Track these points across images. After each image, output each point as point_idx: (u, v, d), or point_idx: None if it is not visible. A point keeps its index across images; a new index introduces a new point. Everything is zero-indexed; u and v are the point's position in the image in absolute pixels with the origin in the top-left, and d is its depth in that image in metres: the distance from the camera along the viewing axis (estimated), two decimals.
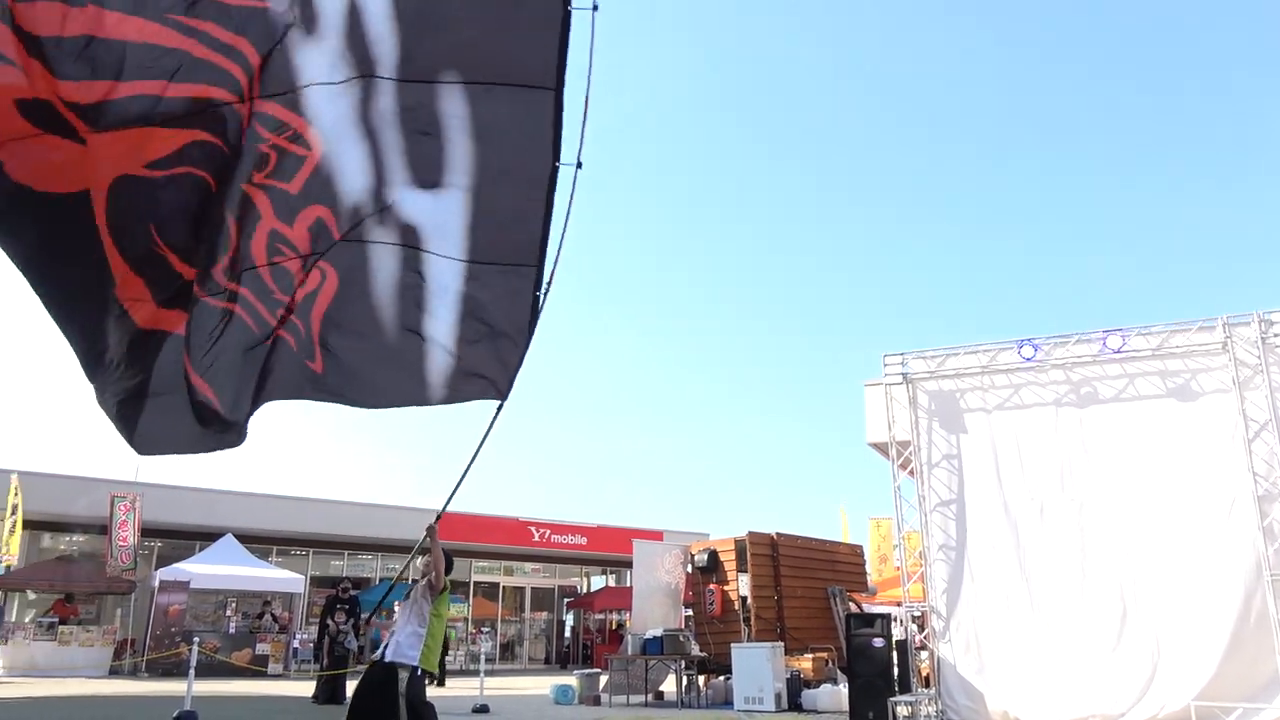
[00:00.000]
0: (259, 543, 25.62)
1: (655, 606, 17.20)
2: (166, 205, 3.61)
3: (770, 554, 17.08)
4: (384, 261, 4.21)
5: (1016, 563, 11.11)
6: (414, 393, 4.52)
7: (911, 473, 12.09)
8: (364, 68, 3.68)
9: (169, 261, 3.72)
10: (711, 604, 16.96)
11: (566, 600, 32.62)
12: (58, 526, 24.53)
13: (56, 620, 21.47)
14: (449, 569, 6.77)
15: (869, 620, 12.59)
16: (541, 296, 4.27)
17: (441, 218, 4.09)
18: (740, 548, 16.95)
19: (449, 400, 4.52)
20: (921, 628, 11.96)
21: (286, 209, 3.92)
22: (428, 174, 3.99)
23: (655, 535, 28.33)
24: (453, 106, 3.82)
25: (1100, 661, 10.33)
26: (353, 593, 16.36)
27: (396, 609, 6.85)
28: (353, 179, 3.97)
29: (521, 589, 32.52)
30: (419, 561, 6.78)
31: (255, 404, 4.37)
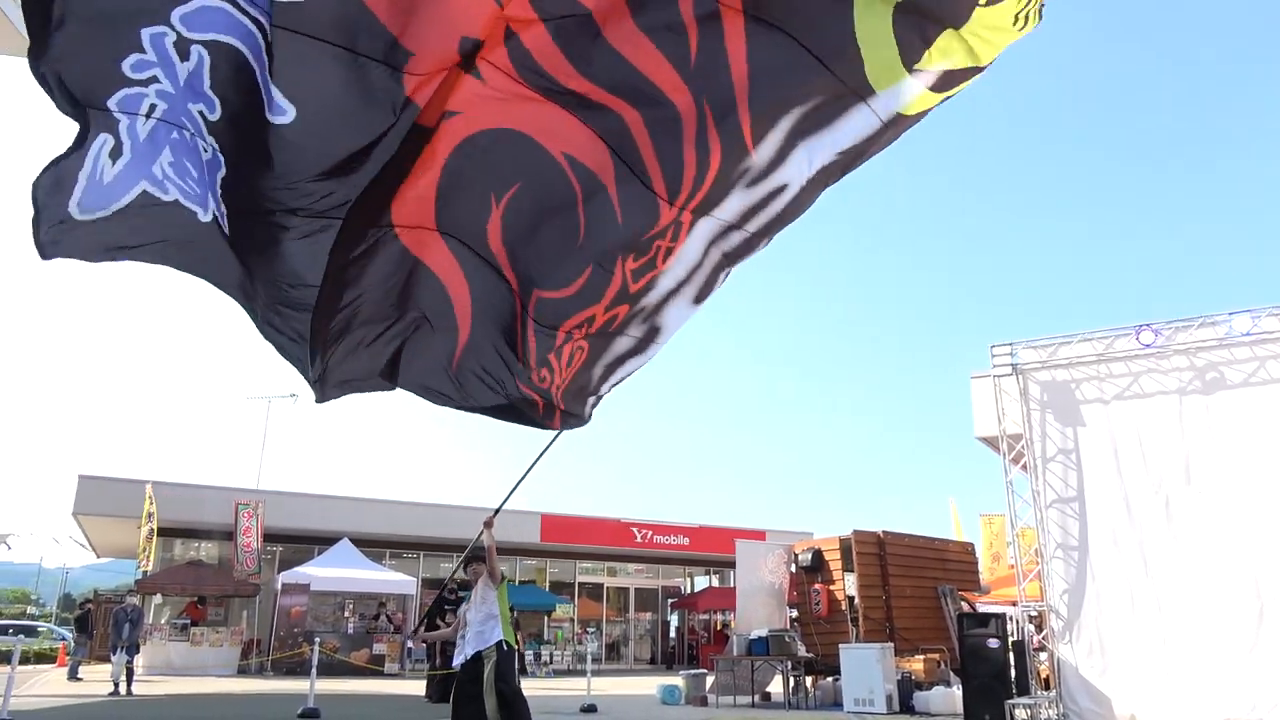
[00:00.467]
0: (372, 546, 26.51)
1: (760, 607, 17.06)
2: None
3: (877, 552, 16.72)
4: (617, 348, 4.38)
5: (1141, 560, 10.58)
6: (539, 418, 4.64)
7: (1024, 467, 11.65)
8: (745, 221, 3.83)
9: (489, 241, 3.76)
10: (817, 604, 16.72)
11: (670, 601, 32.67)
12: (188, 533, 25.90)
13: (189, 622, 22.67)
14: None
15: (983, 620, 12.20)
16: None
17: (676, 315, 4.28)
18: (845, 546, 16.65)
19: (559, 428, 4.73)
20: (1039, 628, 11.52)
21: (618, 302, 4.09)
22: (699, 295, 4.17)
23: (758, 535, 28.12)
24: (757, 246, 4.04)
25: (1235, 663, 9.75)
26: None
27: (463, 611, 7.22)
28: (657, 293, 4.11)
29: (625, 590, 32.72)
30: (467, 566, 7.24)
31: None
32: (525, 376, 4.20)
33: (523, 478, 5.47)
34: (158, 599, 25.71)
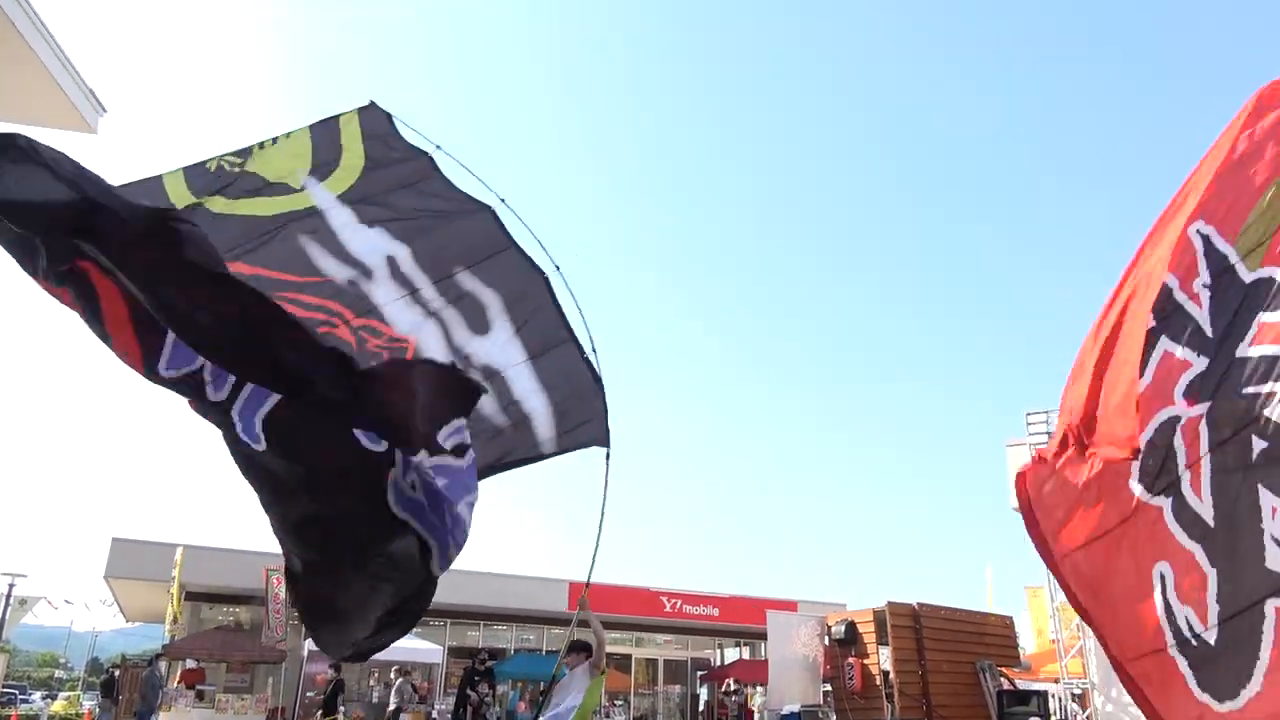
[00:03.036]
0: None
1: (793, 680, 16.67)
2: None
3: (913, 625, 16.33)
4: (485, 399, 5.47)
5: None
6: (535, 449, 5.82)
7: None
8: (409, 286, 5.81)
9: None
10: (851, 678, 16.30)
11: (700, 673, 32.00)
12: (217, 598, 25.91)
13: (185, 687, 22.34)
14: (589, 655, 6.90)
15: (1023, 697, 11.84)
16: (592, 357, 5.94)
17: (499, 345, 5.86)
18: (880, 619, 16.29)
19: (564, 449, 5.84)
20: (1083, 706, 11.14)
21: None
22: (478, 325, 5.87)
23: (789, 606, 27.60)
24: (469, 283, 5.95)
25: None
26: (490, 664, 16.58)
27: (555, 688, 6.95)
28: (439, 351, 5.70)
29: (654, 660, 32.13)
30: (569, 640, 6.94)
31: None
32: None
33: (597, 543, 5.73)
34: (189, 663, 25.62)
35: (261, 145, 6.08)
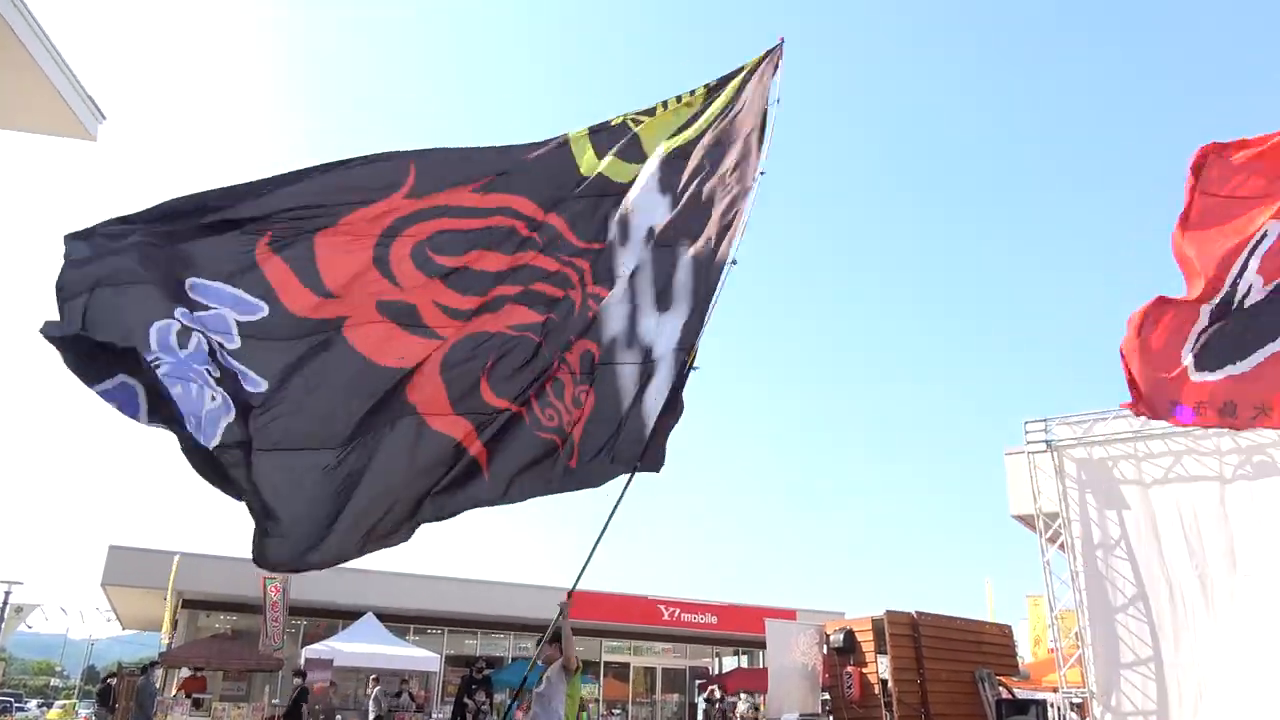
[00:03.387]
0: (396, 621, 26.26)
1: (791, 689, 16.61)
2: (504, 357, 5.30)
3: (911, 634, 16.27)
4: (628, 378, 5.65)
5: (1187, 647, 10.22)
6: (621, 469, 5.54)
7: (1062, 547, 11.38)
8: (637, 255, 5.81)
9: (483, 395, 5.23)
10: (849, 687, 16.24)
11: (698, 681, 31.91)
12: (213, 605, 25.83)
13: (186, 695, 22.32)
14: None
15: (1022, 707, 11.81)
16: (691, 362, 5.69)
17: (668, 329, 5.68)
18: (878, 627, 16.24)
19: (646, 469, 5.58)
20: (1082, 715, 11.10)
21: (566, 340, 5.58)
22: (664, 302, 5.73)
23: (788, 614, 27.54)
24: (683, 257, 5.82)
25: None
26: (487, 672, 16.52)
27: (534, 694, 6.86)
28: (616, 323, 5.68)
29: (652, 669, 32.03)
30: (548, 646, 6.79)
31: (521, 488, 5.37)
32: (536, 423, 5.33)
33: (593, 550, 5.54)
34: (184, 672, 25.53)
35: (665, 104, 6.26)
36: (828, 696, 16.91)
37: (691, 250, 5.79)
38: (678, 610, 30.12)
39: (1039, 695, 14.35)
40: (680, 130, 6.20)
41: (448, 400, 5.10)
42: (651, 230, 5.83)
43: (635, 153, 6.05)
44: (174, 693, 23.53)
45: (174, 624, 24.11)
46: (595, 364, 5.61)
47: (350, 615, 25.08)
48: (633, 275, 5.74)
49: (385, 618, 25.25)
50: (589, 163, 5.89)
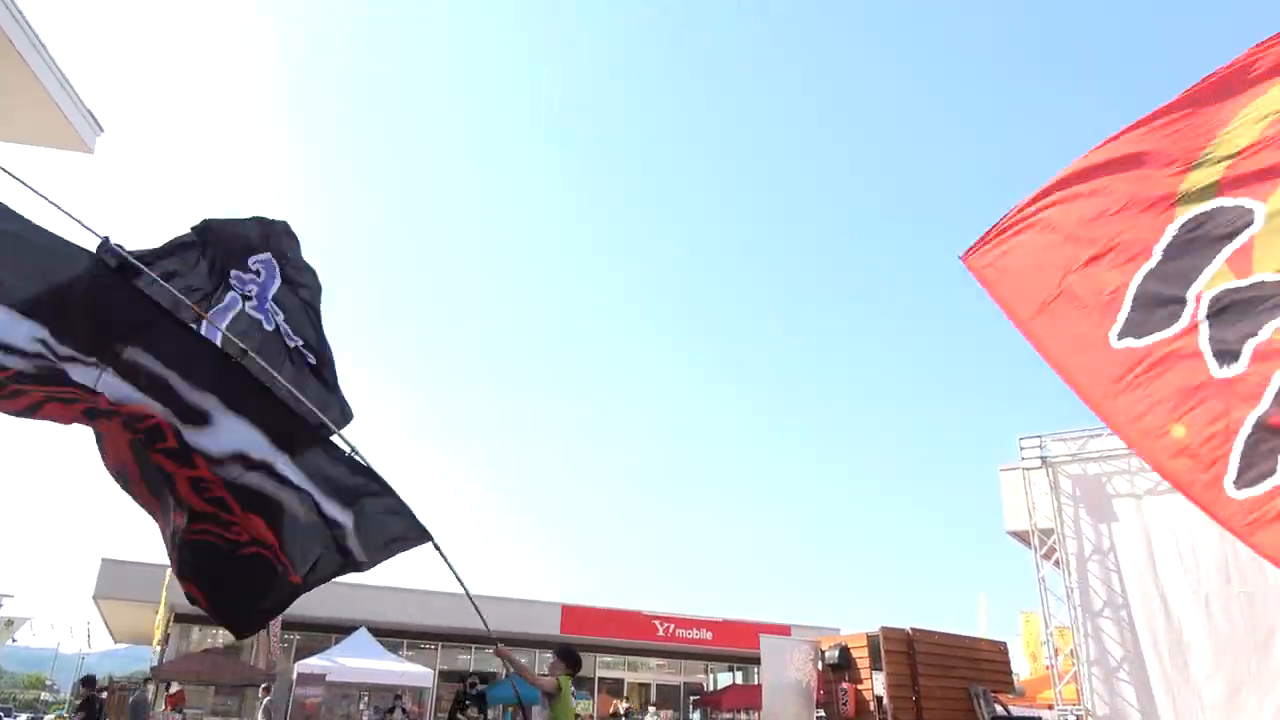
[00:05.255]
0: (390, 636, 26.12)
1: (786, 705, 16.54)
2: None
3: (906, 650, 16.24)
4: (290, 498, 4.72)
5: (1183, 663, 10.21)
6: (352, 565, 4.88)
7: (1057, 563, 11.38)
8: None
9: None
10: (845, 703, 16.18)
11: (693, 698, 31.76)
12: (206, 620, 25.65)
13: (169, 709, 22.16)
14: (577, 666, 6.75)
15: None
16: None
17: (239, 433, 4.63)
18: (873, 644, 16.20)
19: (379, 561, 4.92)
20: None
21: (182, 460, 4.50)
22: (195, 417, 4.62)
23: (783, 630, 27.48)
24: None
25: None
26: (481, 687, 16.44)
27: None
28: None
29: (647, 685, 31.87)
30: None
31: (250, 610, 5.02)
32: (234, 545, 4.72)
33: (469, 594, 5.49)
34: (173, 688, 25.35)
35: None
36: (822, 713, 16.84)
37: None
38: (672, 626, 30.01)
39: (1034, 712, 14.31)
40: None
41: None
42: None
43: None
44: (163, 709, 23.41)
45: (164, 638, 23.95)
46: (240, 479, 4.62)
47: (343, 630, 24.96)
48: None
49: (378, 632, 25.13)
50: None
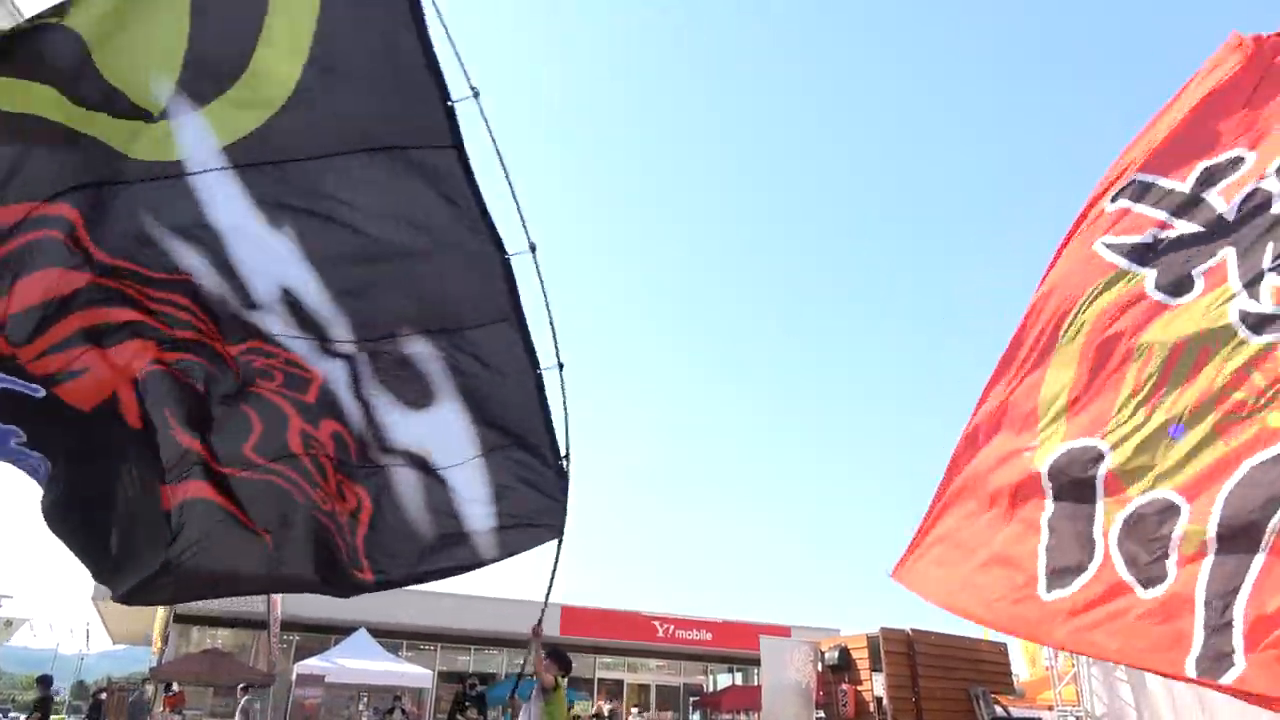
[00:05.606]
0: (389, 637, 26.10)
1: (786, 706, 16.54)
2: (173, 394, 4.11)
3: (906, 651, 16.23)
4: (406, 484, 4.62)
5: None
6: (467, 558, 4.79)
7: None
8: (317, 333, 4.24)
9: (175, 437, 4.11)
10: (844, 704, 16.17)
11: (693, 699, 31.74)
12: (206, 621, 25.65)
13: (168, 710, 22.14)
14: (568, 668, 6.82)
15: None
16: (565, 462, 4.74)
17: (441, 432, 4.53)
18: (873, 645, 16.19)
19: (505, 556, 4.85)
20: None
21: (310, 414, 4.40)
22: (415, 398, 4.47)
23: (782, 631, 27.47)
24: (417, 348, 4.39)
25: None
26: (480, 688, 16.44)
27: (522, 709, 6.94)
28: (350, 411, 4.45)
29: (646, 686, 31.85)
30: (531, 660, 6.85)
31: (313, 581, 4.66)
32: (310, 501, 4.45)
33: (551, 585, 5.42)
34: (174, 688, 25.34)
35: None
36: (822, 714, 16.83)
37: (423, 337, 4.37)
38: (672, 627, 29.99)
39: (1034, 713, 14.31)
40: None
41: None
42: (290, 296, 4.08)
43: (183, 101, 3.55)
44: (162, 710, 23.38)
45: (164, 639, 23.92)
46: (357, 458, 4.51)
47: (343, 631, 24.94)
48: (349, 361, 4.34)
49: (378, 633, 25.11)
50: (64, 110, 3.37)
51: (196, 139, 3.61)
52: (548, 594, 5.31)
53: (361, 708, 24.28)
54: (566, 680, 6.85)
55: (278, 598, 23.34)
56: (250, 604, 23.23)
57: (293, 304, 4.09)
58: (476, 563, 4.77)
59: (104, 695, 22.02)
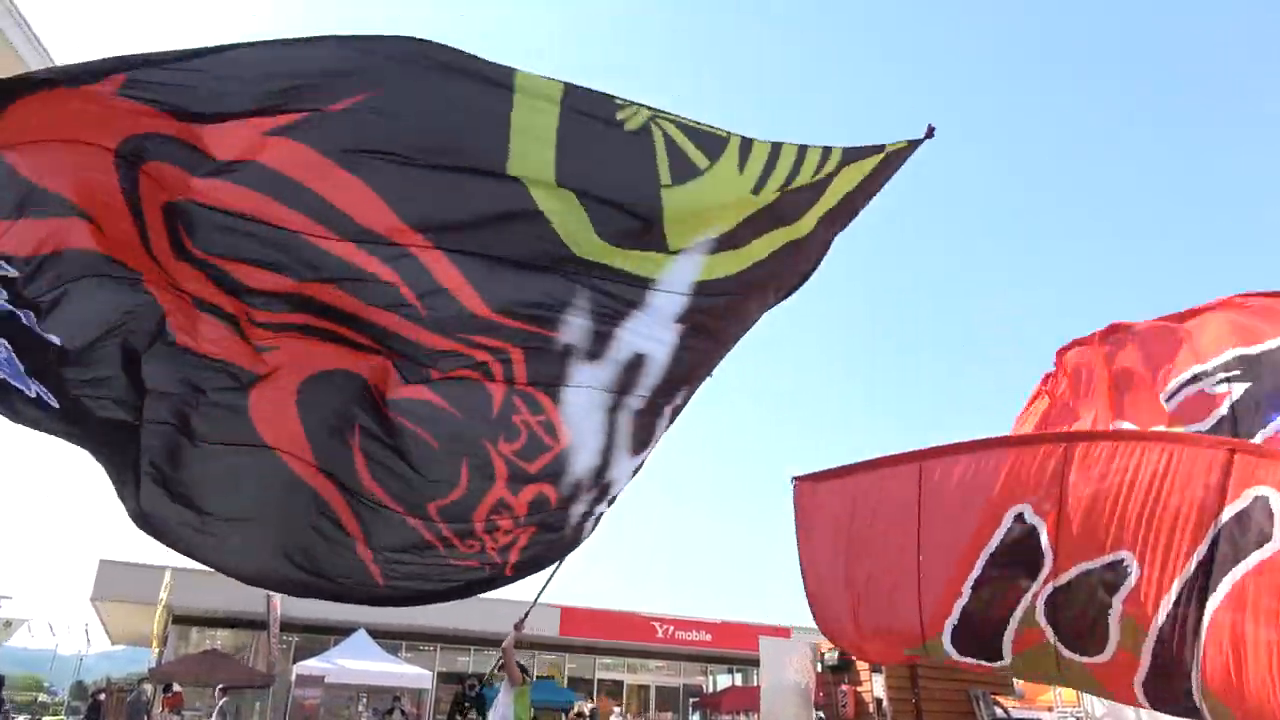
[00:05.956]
0: (389, 637, 26.07)
1: (785, 707, 16.51)
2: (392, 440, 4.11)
3: None
4: (576, 513, 4.79)
5: None
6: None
7: None
8: (630, 389, 4.33)
9: (362, 481, 4.17)
10: (844, 705, 16.15)
11: (692, 700, 31.72)
12: (206, 621, 25.63)
13: (167, 711, 22.14)
14: (528, 675, 7.29)
15: None
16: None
17: (632, 463, 4.74)
18: None
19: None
20: None
21: (518, 482, 4.39)
22: (640, 446, 4.67)
23: (783, 632, 27.43)
24: (675, 399, 4.63)
25: None
26: (479, 690, 16.41)
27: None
28: (583, 465, 4.47)
29: (646, 687, 31.83)
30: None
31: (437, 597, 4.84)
32: (452, 554, 4.52)
33: (547, 582, 5.62)
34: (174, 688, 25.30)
35: (742, 149, 3.89)
36: (822, 715, 16.80)
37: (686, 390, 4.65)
38: (672, 628, 29.97)
39: (1034, 714, 14.28)
40: (764, 221, 4.10)
41: (310, 450, 4.05)
42: (640, 359, 4.22)
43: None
44: (161, 710, 23.35)
45: (163, 639, 23.90)
46: (549, 509, 4.57)
47: (342, 631, 24.91)
48: (613, 410, 4.36)
49: (377, 634, 25.08)
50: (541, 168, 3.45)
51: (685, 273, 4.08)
52: (538, 595, 6.07)
53: (361, 708, 24.27)
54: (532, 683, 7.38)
55: (277, 598, 23.31)
56: (250, 604, 23.19)
57: (634, 366, 4.28)
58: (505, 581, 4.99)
59: (103, 696, 22.00)
